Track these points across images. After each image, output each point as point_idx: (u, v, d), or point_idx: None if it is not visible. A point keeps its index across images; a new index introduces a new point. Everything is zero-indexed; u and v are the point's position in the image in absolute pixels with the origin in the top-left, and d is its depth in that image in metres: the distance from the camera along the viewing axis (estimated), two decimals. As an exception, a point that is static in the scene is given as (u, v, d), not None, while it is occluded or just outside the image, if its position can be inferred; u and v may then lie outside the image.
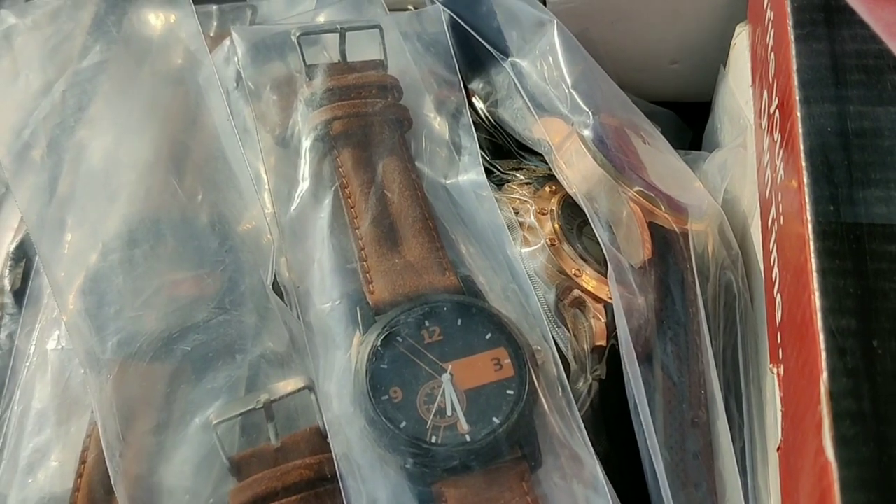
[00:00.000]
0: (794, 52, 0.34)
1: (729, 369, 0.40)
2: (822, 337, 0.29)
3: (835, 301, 0.30)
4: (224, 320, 0.40)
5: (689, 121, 0.54)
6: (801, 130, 0.32)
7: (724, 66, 0.48)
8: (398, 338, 0.37)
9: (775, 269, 0.36)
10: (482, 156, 0.45)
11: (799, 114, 0.33)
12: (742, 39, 0.46)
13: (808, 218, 0.31)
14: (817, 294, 0.30)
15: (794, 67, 0.34)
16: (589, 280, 0.40)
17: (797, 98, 0.33)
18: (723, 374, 0.40)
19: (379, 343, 0.37)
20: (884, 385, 0.28)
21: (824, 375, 0.28)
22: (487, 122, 0.47)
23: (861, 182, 0.31)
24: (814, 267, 0.30)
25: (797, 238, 0.31)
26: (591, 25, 0.50)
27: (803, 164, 0.32)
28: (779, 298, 0.35)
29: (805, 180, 0.32)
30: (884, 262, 0.30)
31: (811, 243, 0.31)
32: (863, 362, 0.28)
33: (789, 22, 0.35)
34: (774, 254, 0.36)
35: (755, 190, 0.41)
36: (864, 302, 0.29)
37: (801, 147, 0.32)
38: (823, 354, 0.29)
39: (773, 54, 0.37)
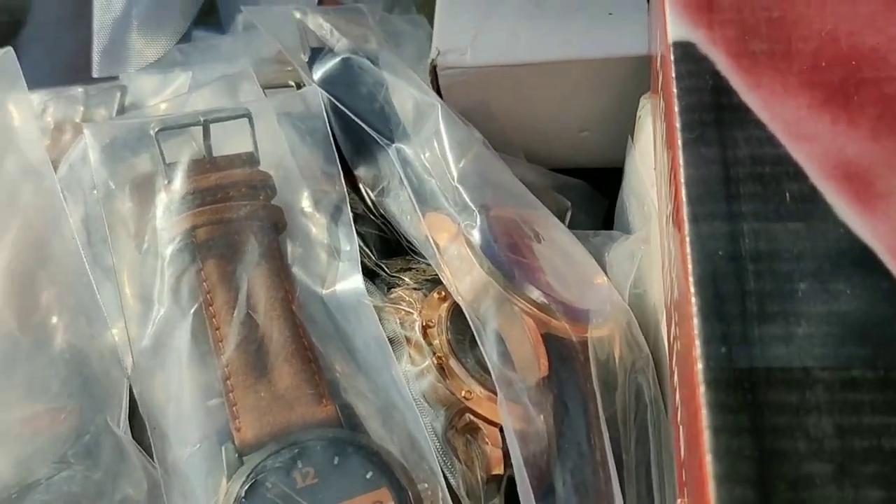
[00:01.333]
0: (681, 161, 0.30)
1: (643, 489, 0.37)
2: (716, 511, 0.25)
3: (728, 467, 0.26)
4: (67, 477, 0.36)
5: (603, 189, 0.50)
6: (689, 254, 0.28)
7: (632, 138, 0.44)
8: (266, 484, 0.34)
9: (677, 396, 0.32)
10: (369, 254, 0.41)
11: (688, 235, 0.29)
12: (646, 111, 0.42)
13: (699, 362, 0.27)
14: (710, 458, 0.26)
15: (682, 179, 0.30)
16: (481, 402, 0.37)
17: (685, 215, 0.29)
18: (637, 492, 0.37)
19: (244, 493, 0.34)
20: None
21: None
22: (375, 212, 0.43)
23: (756, 317, 0.28)
24: (705, 423, 0.26)
25: (690, 380, 0.28)
26: (490, 96, 0.46)
27: (692, 296, 0.28)
28: (681, 432, 0.31)
29: (694, 315, 0.28)
30: (782, 416, 0.26)
31: (702, 396, 0.27)
32: (762, 543, 0.24)
33: (677, 124, 0.31)
34: (676, 377, 0.32)
35: (661, 287, 0.37)
36: (761, 467, 0.26)
37: (690, 274, 0.28)
38: (718, 536, 0.25)
39: (666, 151, 0.33)
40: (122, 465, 0.36)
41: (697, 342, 0.28)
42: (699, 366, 0.27)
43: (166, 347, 0.37)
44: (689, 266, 0.29)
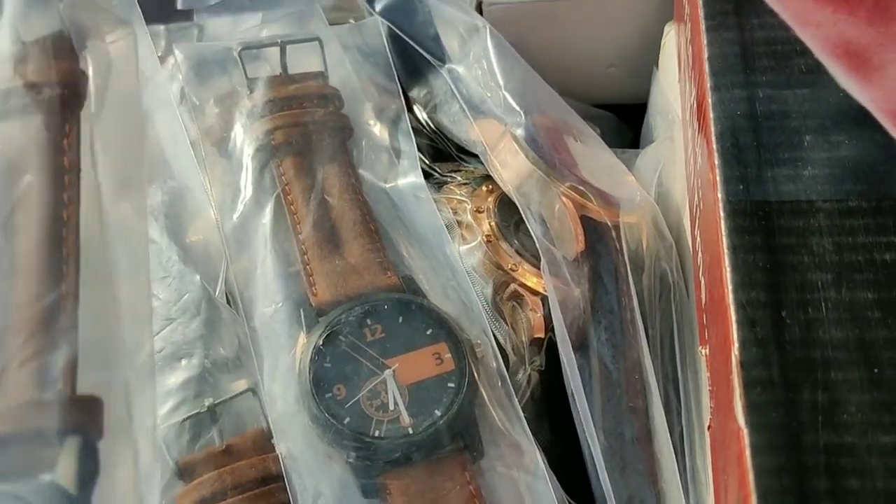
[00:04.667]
0: (705, 43, 0.35)
1: (667, 357, 0.41)
2: (733, 310, 0.30)
3: (745, 275, 0.31)
4: (171, 329, 0.40)
5: (629, 122, 0.55)
6: (712, 116, 0.34)
7: (657, 67, 0.49)
8: (340, 336, 0.38)
9: (699, 254, 0.37)
10: (422, 160, 0.46)
11: (710, 101, 0.34)
12: (670, 38, 0.47)
13: (720, 198, 0.32)
14: (728, 269, 0.31)
15: (706, 56, 0.35)
16: (525, 274, 0.41)
17: (708, 86, 0.34)
18: (660, 362, 0.40)
19: (321, 342, 0.37)
20: (792, 353, 0.29)
21: (735, 346, 0.29)
22: (427, 127, 0.48)
23: (770, 162, 0.33)
24: (725, 244, 0.31)
25: (712, 219, 0.33)
26: (528, 33, 0.51)
27: (715, 147, 0.33)
28: (703, 281, 0.36)
29: (717, 163, 0.33)
30: (791, 237, 0.31)
31: (723, 222, 0.32)
32: (772, 332, 0.29)
33: (701, 14, 0.36)
34: (698, 238, 0.37)
35: (685, 182, 0.42)
36: (772, 275, 0.31)
37: (713, 131, 0.33)
38: (734, 326, 0.30)
39: (690, 47, 0.39)
40: (217, 323, 0.41)
41: (719, 183, 0.33)
42: (721, 202, 0.32)
43: (253, 226, 0.42)
44: (712, 125, 0.34)
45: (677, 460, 0.38)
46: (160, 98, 0.45)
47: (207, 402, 0.38)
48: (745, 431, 0.28)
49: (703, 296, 0.37)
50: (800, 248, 0.31)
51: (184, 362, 0.39)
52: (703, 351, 0.37)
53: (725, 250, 0.31)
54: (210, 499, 0.36)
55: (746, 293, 0.30)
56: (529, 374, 0.40)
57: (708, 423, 0.36)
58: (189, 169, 0.44)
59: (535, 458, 0.37)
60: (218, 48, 0.47)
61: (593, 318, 0.39)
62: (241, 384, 0.39)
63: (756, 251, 0.31)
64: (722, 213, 0.32)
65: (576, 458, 0.39)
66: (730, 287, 0.31)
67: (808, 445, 0.28)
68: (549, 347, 0.40)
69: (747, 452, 0.28)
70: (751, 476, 0.27)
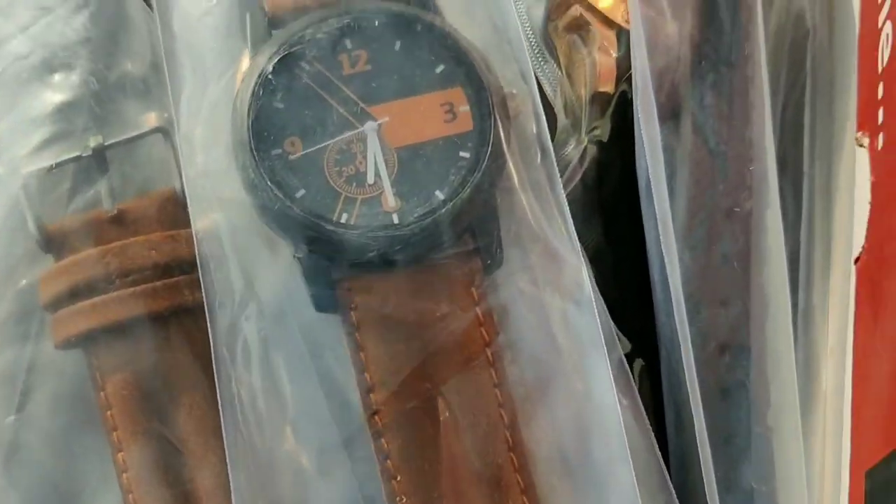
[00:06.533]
0: None
1: (788, 138, 0.32)
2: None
3: None
4: (46, 25, 0.30)
5: None
6: None
7: None
8: (303, 62, 0.28)
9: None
10: None
11: None
12: None
13: None
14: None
15: None
16: None
17: None
18: (779, 145, 0.32)
19: (273, 68, 0.28)
20: None
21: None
22: None
23: None
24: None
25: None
26: None
27: None
28: (888, 28, 0.26)
29: None
30: None
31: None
32: None
33: None
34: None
35: None
36: None
37: None
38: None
39: None
40: (116, 21, 0.31)
41: None
42: None
43: None
44: None
45: (791, 294, 0.30)
46: None
47: (94, 141, 0.29)
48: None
49: (882, 55, 0.26)
50: None
51: (59, 77, 0.30)
52: (865, 140, 0.28)
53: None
54: (85, 288, 0.28)
55: None
56: (585, 148, 0.32)
57: (857, 254, 0.28)
58: None
59: (580, 277, 0.29)
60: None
61: (696, 70, 0.30)
62: (149, 120, 0.30)
63: None
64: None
65: (635, 277, 0.32)
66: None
67: None
68: (618, 108, 0.33)
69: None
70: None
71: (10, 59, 0.30)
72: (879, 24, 0.27)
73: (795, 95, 0.33)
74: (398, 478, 0.27)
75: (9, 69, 0.30)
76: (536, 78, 0.31)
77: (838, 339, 0.30)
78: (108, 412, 0.28)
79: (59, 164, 0.29)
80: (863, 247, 0.28)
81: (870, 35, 0.28)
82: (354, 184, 0.27)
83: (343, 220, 0.27)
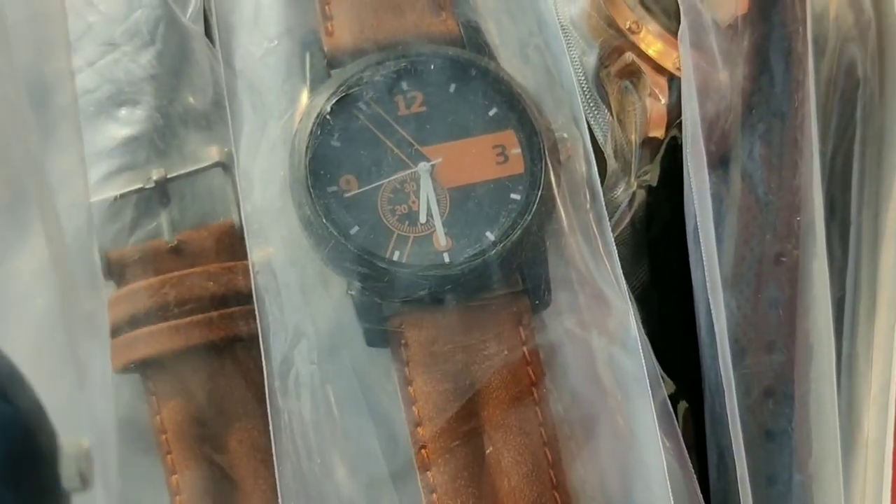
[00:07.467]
0: None
1: (837, 185, 0.32)
2: None
3: None
4: (112, 60, 0.30)
5: None
6: None
7: None
8: (360, 103, 0.28)
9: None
10: None
11: None
12: None
13: None
14: None
15: None
16: (650, 39, 0.31)
17: None
18: (827, 192, 0.32)
19: (330, 108, 0.28)
20: None
21: None
22: None
23: None
24: None
25: None
26: None
27: None
28: None
29: None
30: None
31: None
32: None
33: None
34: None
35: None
36: None
37: None
38: None
39: None
40: (181, 58, 0.30)
41: None
42: None
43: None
44: None
45: (836, 342, 0.30)
46: None
47: (156, 173, 0.29)
48: None
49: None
50: None
51: (125, 112, 0.30)
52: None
53: None
54: (144, 315, 0.28)
55: None
56: (634, 192, 0.32)
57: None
58: None
59: (626, 320, 0.29)
60: None
61: (746, 119, 0.29)
62: (210, 154, 0.30)
63: None
64: None
65: (681, 321, 0.31)
66: None
67: None
68: (668, 154, 0.32)
69: None
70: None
71: (79, 93, 0.29)
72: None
73: (845, 145, 0.32)
74: (444, 511, 0.27)
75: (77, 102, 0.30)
76: (588, 123, 0.31)
77: (881, 387, 0.29)
78: (164, 436, 0.28)
79: (122, 196, 0.29)
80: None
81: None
82: (407, 222, 0.27)
83: (395, 258, 0.27)
